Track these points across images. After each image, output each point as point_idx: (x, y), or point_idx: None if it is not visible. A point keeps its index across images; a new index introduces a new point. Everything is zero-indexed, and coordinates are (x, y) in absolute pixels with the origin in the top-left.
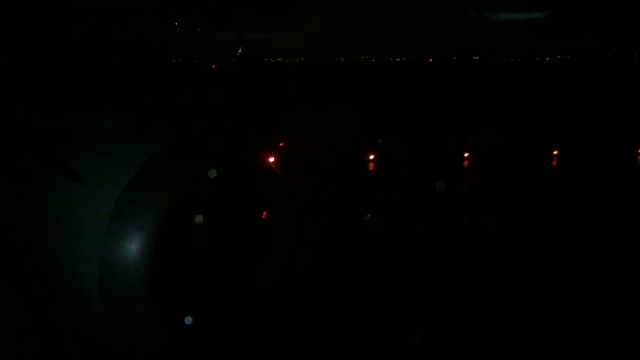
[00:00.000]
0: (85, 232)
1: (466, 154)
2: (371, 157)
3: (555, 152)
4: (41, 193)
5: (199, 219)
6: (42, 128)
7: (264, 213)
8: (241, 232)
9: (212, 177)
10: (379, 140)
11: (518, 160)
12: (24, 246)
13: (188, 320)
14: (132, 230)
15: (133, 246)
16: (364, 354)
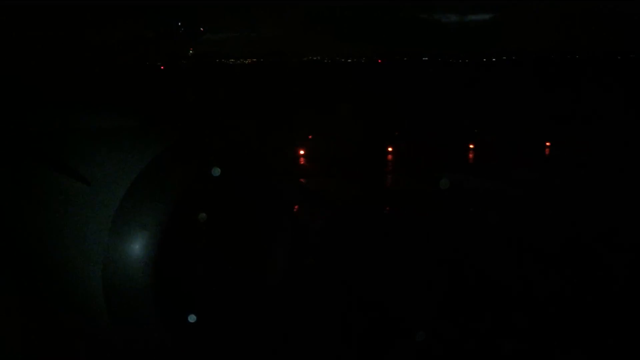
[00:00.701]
0: (90, 232)
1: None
2: (302, 151)
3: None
4: (46, 193)
5: (202, 217)
6: (47, 129)
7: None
8: (243, 232)
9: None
10: (310, 137)
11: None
12: (29, 246)
13: (192, 318)
14: (136, 230)
15: (137, 246)
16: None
